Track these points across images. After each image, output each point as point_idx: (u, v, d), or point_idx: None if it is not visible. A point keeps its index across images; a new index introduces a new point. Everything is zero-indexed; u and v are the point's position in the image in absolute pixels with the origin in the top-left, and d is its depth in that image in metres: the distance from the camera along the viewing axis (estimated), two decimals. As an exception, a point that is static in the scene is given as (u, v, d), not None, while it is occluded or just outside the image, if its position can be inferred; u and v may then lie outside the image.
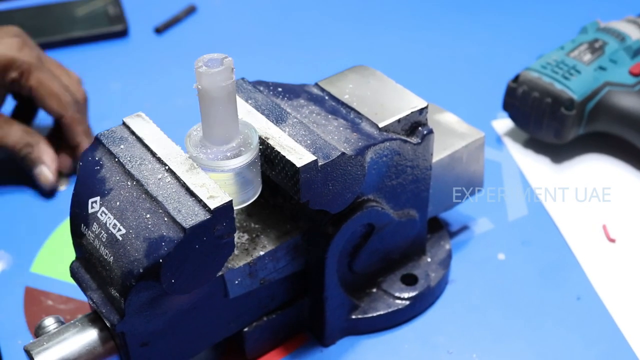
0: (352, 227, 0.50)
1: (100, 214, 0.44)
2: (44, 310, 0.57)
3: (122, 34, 0.89)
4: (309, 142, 0.46)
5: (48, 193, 0.67)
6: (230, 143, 0.44)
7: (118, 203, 0.43)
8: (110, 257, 0.43)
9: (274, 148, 0.45)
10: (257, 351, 0.53)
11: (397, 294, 0.55)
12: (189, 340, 0.49)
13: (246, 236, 0.50)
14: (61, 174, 0.69)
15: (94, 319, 0.47)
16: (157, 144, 0.45)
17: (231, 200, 0.42)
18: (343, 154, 0.45)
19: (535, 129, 0.69)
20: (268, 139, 0.46)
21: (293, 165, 0.44)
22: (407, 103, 0.51)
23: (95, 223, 0.44)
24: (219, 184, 0.43)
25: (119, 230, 0.42)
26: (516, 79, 0.70)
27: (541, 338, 0.55)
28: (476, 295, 0.58)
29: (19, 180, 0.69)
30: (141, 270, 0.41)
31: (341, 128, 0.48)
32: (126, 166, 0.44)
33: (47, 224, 0.65)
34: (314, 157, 0.44)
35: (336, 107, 0.51)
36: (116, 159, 0.45)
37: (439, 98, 0.64)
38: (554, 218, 0.64)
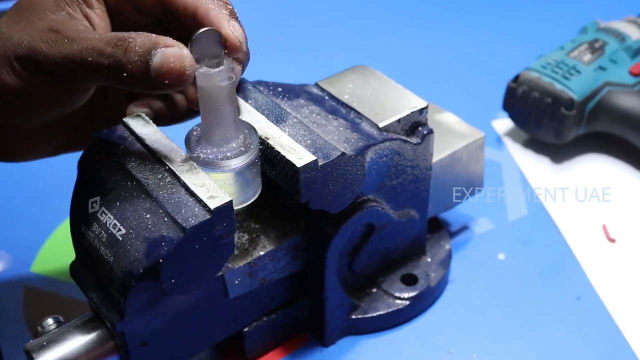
0: (352, 227, 0.50)
1: (100, 214, 0.44)
2: (43, 310, 0.56)
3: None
4: (309, 142, 0.46)
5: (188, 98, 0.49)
6: (230, 143, 0.44)
7: (118, 203, 0.43)
8: (110, 257, 0.43)
9: (274, 148, 0.45)
10: (257, 351, 0.53)
11: (397, 294, 0.55)
12: (189, 340, 0.49)
13: (246, 236, 0.50)
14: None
15: (94, 319, 0.46)
16: (157, 144, 0.45)
17: (231, 201, 0.42)
18: (343, 154, 0.45)
19: (535, 129, 0.69)
20: (268, 139, 0.46)
21: (293, 165, 0.44)
22: (407, 103, 0.51)
23: (95, 223, 0.44)
24: (219, 184, 0.43)
25: (119, 230, 0.42)
26: (516, 79, 0.70)
27: (541, 338, 0.55)
28: (476, 295, 0.58)
29: (19, 180, 0.69)
30: (141, 270, 0.41)
31: (341, 128, 0.48)
32: (126, 166, 0.44)
33: (47, 224, 0.65)
34: (314, 157, 0.44)
35: (336, 107, 0.51)
36: (116, 159, 0.45)
37: (439, 98, 0.64)
38: (554, 218, 0.64)
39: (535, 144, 0.72)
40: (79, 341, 0.46)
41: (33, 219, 0.65)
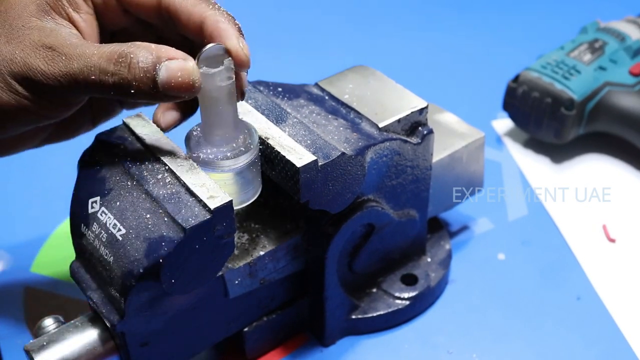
0: (352, 227, 0.50)
1: (100, 214, 0.43)
2: (43, 310, 0.57)
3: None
4: (309, 142, 0.46)
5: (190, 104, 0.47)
6: (230, 143, 0.44)
7: (118, 203, 0.43)
8: (110, 257, 0.42)
9: (274, 148, 0.45)
10: (257, 351, 0.53)
11: (397, 294, 0.55)
12: (189, 340, 0.49)
13: (246, 236, 0.50)
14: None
15: (94, 319, 0.46)
16: (157, 144, 0.45)
17: (231, 200, 0.42)
18: (343, 154, 0.45)
19: (535, 129, 0.69)
20: (268, 139, 0.46)
21: (293, 165, 0.44)
22: (407, 103, 0.51)
23: (95, 223, 0.44)
24: (219, 184, 0.43)
25: (119, 230, 0.42)
26: (516, 79, 0.70)
27: (541, 338, 0.55)
28: (476, 295, 0.58)
29: (19, 180, 0.69)
30: (141, 270, 0.41)
31: (341, 128, 0.48)
32: (126, 166, 0.44)
33: (47, 224, 0.65)
34: (314, 157, 0.44)
35: (336, 107, 0.51)
36: (116, 159, 0.45)
37: (439, 98, 0.64)
38: (554, 218, 0.64)
39: (535, 144, 0.72)
40: (79, 341, 0.46)
41: (33, 219, 0.65)
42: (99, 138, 0.47)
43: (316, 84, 0.53)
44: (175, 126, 0.46)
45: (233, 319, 0.50)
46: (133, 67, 0.40)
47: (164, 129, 0.46)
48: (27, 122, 0.45)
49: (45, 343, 0.46)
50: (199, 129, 0.45)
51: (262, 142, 0.46)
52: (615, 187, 0.67)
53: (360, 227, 0.51)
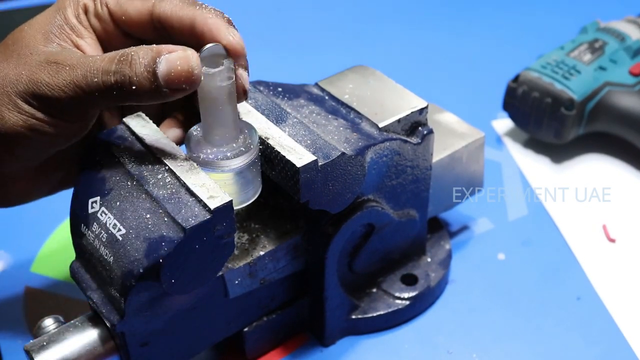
0: (352, 227, 0.50)
1: (100, 214, 0.43)
2: (44, 310, 0.56)
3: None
4: (309, 142, 0.46)
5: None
6: (230, 143, 0.44)
7: (118, 203, 0.43)
8: (110, 257, 0.42)
9: (274, 148, 0.45)
10: (257, 351, 0.53)
11: (397, 294, 0.55)
12: (189, 340, 0.49)
13: (246, 236, 0.50)
14: None
15: (94, 318, 0.46)
16: (157, 144, 0.45)
17: (231, 200, 0.42)
18: (343, 154, 0.45)
19: (535, 129, 0.69)
20: (268, 139, 0.46)
21: (293, 165, 0.44)
22: (407, 103, 0.51)
23: (95, 223, 0.44)
24: (219, 184, 0.43)
25: (119, 230, 0.42)
26: (516, 79, 0.70)
27: (541, 338, 0.55)
28: (476, 296, 0.58)
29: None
30: (141, 270, 0.41)
31: (341, 128, 0.48)
32: (126, 166, 0.44)
33: (47, 224, 0.65)
34: (314, 157, 0.44)
35: (336, 107, 0.51)
36: (116, 159, 0.45)
37: (439, 98, 0.64)
38: (554, 218, 0.64)
39: (535, 144, 0.72)
40: (79, 341, 0.46)
41: (33, 219, 0.65)
42: (99, 138, 0.47)
43: (316, 84, 0.53)
44: (177, 144, 0.46)
45: (233, 319, 0.50)
46: (134, 64, 0.40)
47: None
48: (39, 145, 0.45)
49: (45, 343, 0.46)
50: (199, 129, 0.45)
51: (262, 142, 0.46)
52: (615, 187, 0.67)
53: (360, 227, 0.51)
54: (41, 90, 0.42)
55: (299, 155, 0.44)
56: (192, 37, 0.44)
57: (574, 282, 0.59)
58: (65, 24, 0.45)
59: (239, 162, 0.44)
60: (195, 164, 0.44)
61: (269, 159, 0.46)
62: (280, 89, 0.51)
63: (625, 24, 0.74)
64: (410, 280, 0.56)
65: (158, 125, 0.47)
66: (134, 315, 0.43)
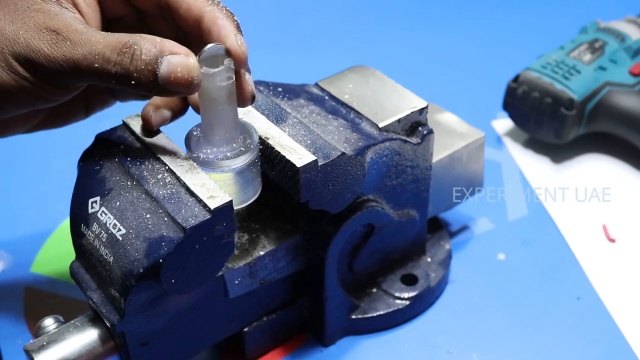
0: (352, 227, 0.50)
1: (101, 214, 0.43)
2: (44, 310, 0.56)
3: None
4: (309, 142, 0.46)
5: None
6: (230, 143, 0.44)
7: (118, 203, 0.43)
8: (110, 257, 0.43)
9: (274, 148, 0.45)
10: (257, 351, 0.53)
11: (397, 294, 0.55)
12: (189, 340, 0.49)
13: (246, 236, 0.50)
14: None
15: (94, 318, 0.47)
16: (157, 144, 0.45)
17: (231, 201, 0.42)
18: (343, 154, 0.45)
19: (536, 129, 0.69)
20: (268, 139, 0.46)
21: (293, 165, 0.44)
22: (407, 103, 0.51)
23: (95, 223, 0.44)
24: (219, 184, 0.43)
25: (119, 230, 0.42)
26: (516, 78, 0.70)
27: (541, 338, 0.55)
28: (476, 295, 0.58)
29: (19, 180, 0.69)
30: (141, 270, 0.41)
31: (341, 128, 0.48)
32: (126, 166, 0.44)
33: (47, 224, 0.65)
34: (314, 157, 0.44)
35: (336, 107, 0.51)
36: (116, 159, 0.45)
37: (439, 98, 0.64)
38: (554, 218, 0.64)
39: (535, 144, 0.72)
40: (79, 341, 0.46)
41: (33, 219, 0.65)
42: (99, 137, 0.47)
43: (316, 84, 0.53)
44: (163, 125, 0.47)
45: (233, 319, 0.50)
46: (136, 59, 0.40)
47: (153, 128, 0.46)
48: (25, 104, 0.44)
49: (45, 343, 0.46)
50: (199, 129, 0.45)
51: (262, 142, 0.46)
52: (615, 187, 0.67)
53: (360, 227, 0.51)
54: (39, 59, 0.41)
55: (299, 155, 0.44)
56: (196, 30, 0.44)
57: (574, 282, 0.59)
58: None
59: (239, 162, 0.44)
60: (195, 164, 0.44)
61: (269, 159, 0.46)
62: (280, 89, 0.51)
63: (625, 24, 0.74)
64: (410, 280, 0.56)
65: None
66: (134, 315, 0.43)
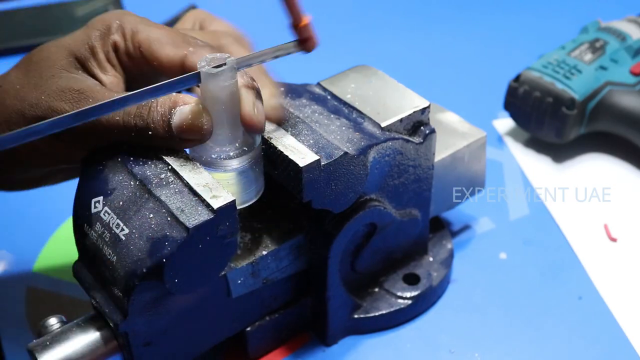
0: (355, 227, 0.50)
1: (103, 214, 0.44)
2: (46, 310, 0.56)
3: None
4: (311, 141, 0.46)
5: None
6: (233, 142, 0.44)
7: (121, 203, 0.43)
8: (114, 256, 0.43)
9: (276, 148, 0.45)
10: (259, 351, 0.53)
11: (399, 294, 0.55)
12: (191, 340, 0.49)
13: (249, 236, 0.50)
14: None
15: (97, 318, 0.46)
16: (158, 147, 0.45)
17: (234, 200, 0.42)
18: (346, 153, 0.45)
19: (537, 129, 0.69)
20: (271, 138, 0.46)
21: (296, 164, 0.44)
22: (409, 102, 0.51)
23: (98, 223, 0.44)
24: (221, 184, 0.43)
25: (122, 230, 0.42)
26: (517, 78, 0.70)
27: (543, 337, 0.55)
28: (478, 295, 0.58)
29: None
30: (144, 270, 0.41)
31: (343, 128, 0.48)
32: (129, 166, 0.44)
33: (48, 224, 0.65)
34: (316, 157, 0.44)
35: (338, 107, 0.51)
36: (119, 159, 0.45)
37: (440, 97, 0.64)
38: (555, 217, 0.64)
39: (536, 144, 0.72)
40: (82, 341, 0.46)
41: (35, 220, 0.65)
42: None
43: (318, 84, 0.53)
44: None
45: (236, 319, 0.50)
46: (152, 110, 0.43)
47: None
48: (46, 164, 0.47)
49: (48, 343, 0.46)
50: (201, 128, 0.45)
51: (265, 141, 0.46)
52: (616, 187, 0.67)
53: (363, 226, 0.51)
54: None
55: (302, 155, 0.44)
56: None
57: (575, 281, 0.59)
58: (92, 56, 0.46)
59: (242, 161, 0.44)
60: (197, 164, 0.44)
61: (271, 159, 0.46)
62: (282, 89, 0.51)
63: (625, 23, 0.74)
64: (412, 280, 0.56)
65: None
66: (137, 315, 0.43)
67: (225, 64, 0.42)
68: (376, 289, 0.56)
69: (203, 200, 0.41)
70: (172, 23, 0.90)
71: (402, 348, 0.54)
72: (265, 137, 0.46)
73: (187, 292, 0.43)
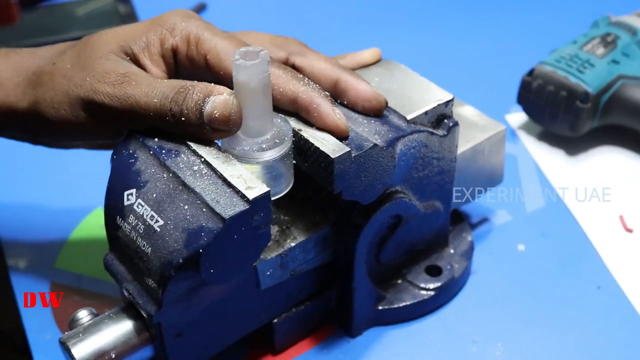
0: (381, 218, 0.50)
1: (137, 206, 0.44)
2: (71, 306, 0.57)
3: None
4: (341, 133, 0.46)
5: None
6: (264, 135, 0.45)
7: (155, 195, 0.43)
8: (148, 248, 0.43)
9: (307, 140, 0.45)
10: (286, 342, 0.54)
11: (422, 285, 0.56)
12: (221, 331, 0.49)
13: (276, 228, 0.51)
14: None
15: (128, 310, 0.47)
16: (190, 136, 0.46)
17: (269, 191, 0.42)
18: (375, 145, 0.46)
19: (550, 122, 0.70)
20: (301, 130, 0.46)
21: (327, 156, 0.44)
22: (433, 96, 0.52)
23: (131, 215, 0.44)
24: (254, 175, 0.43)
25: (157, 221, 0.43)
26: (531, 72, 0.70)
27: (564, 326, 0.55)
28: (498, 286, 0.59)
29: (40, 178, 0.69)
30: (181, 261, 0.41)
31: (372, 120, 0.48)
32: (161, 158, 0.44)
33: (68, 221, 0.65)
34: (347, 149, 0.45)
35: (364, 100, 0.51)
36: (151, 152, 0.45)
37: (453, 92, 0.64)
38: (571, 209, 0.65)
39: (550, 137, 0.72)
40: (114, 332, 0.46)
41: (55, 217, 0.65)
42: (132, 130, 0.47)
43: (342, 78, 0.53)
44: None
45: (263, 310, 0.51)
46: (188, 98, 0.44)
47: None
48: (80, 139, 0.50)
49: (80, 334, 0.46)
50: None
51: (295, 134, 0.46)
52: (629, 179, 0.68)
53: (389, 218, 0.52)
54: (100, 99, 0.45)
55: (333, 147, 0.45)
56: (290, 107, 0.47)
57: (593, 271, 0.60)
58: (146, 49, 0.47)
59: (273, 153, 0.44)
60: (230, 156, 0.44)
61: (301, 151, 0.46)
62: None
63: (635, 18, 0.75)
64: (434, 271, 0.57)
65: None
66: (171, 306, 0.44)
67: (258, 56, 0.42)
68: (399, 281, 0.56)
69: (238, 191, 0.42)
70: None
71: (425, 339, 0.55)
72: (296, 129, 0.46)
73: (222, 282, 0.43)
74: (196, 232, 0.41)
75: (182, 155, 0.45)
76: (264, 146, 0.44)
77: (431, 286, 0.56)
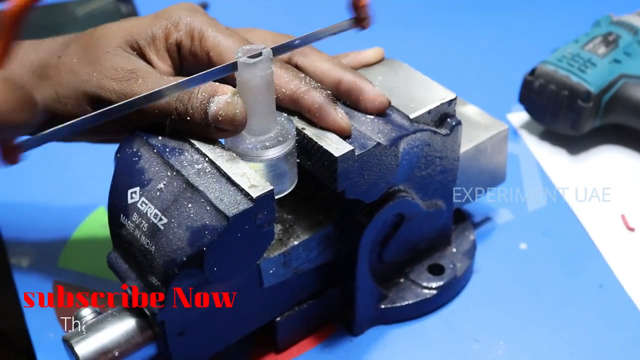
0: (384, 217, 0.51)
1: (141, 204, 0.44)
2: (73, 304, 0.57)
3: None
4: (344, 132, 0.46)
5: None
6: (268, 133, 0.45)
7: (158, 193, 0.44)
8: (152, 246, 0.43)
9: (311, 138, 0.45)
10: (288, 341, 0.54)
11: (424, 284, 0.56)
12: (224, 329, 0.49)
13: (279, 226, 0.51)
14: None
15: (131, 308, 0.47)
16: (195, 135, 0.46)
17: (272, 189, 0.42)
18: (378, 144, 0.46)
19: (552, 121, 0.70)
20: (304, 129, 0.46)
21: (331, 154, 0.44)
22: (436, 94, 0.52)
23: (135, 213, 0.44)
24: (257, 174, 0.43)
25: (161, 220, 0.43)
26: (533, 72, 0.70)
27: (566, 325, 0.56)
28: (501, 285, 0.59)
29: (42, 176, 0.69)
30: (184, 259, 0.41)
31: (374, 119, 0.48)
32: (165, 157, 0.45)
33: (71, 220, 0.65)
34: (351, 147, 0.45)
35: (367, 99, 0.51)
36: (154, 150, 0.45)
37: (455, 91, 0.65)
38: (573, 208, 0.65)
39: (551, 136, 0.72)
40: (117, 330, 0.46)
41: (57, 215, 0.66)
42: (136, 128, 0.47)
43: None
44: None
45: (266, 309, 0.51)
46: (193, 97, 0.44)
47: None
48: (82, 134, 0.48)
49: (84, 332, 0.46)
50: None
51: (299, 132, 0.46)
52: (631, 178, 0.68)
53: (392, 216, 0.52)
54: (107, 95, 0.45)
55: (336, 145, 0.45)
56: (292, 106, 0.47)
57: (595, 270, 0.60)
58: (152, 43, 0.47)
59: (277, 152, 0.44)
60: (234, 154, 0.44)
61: (305, 149, 0.46)
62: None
63: (637, 17, 0.75)
64: (437, 270, 0.57)
65: None
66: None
67: (261, 54, 0.42)
68: (402, 280, 0.56)
69: (242, 190, 0.42)
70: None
71: (428, 337, 0.55)
72: (299, 127, 0.46)
73: (226, 281, 0.43)
74: (200, 230, 0.41)
75: (186, 154, 0.45)
76: (267, 144, 0.44)
77: (434, 285, 0.56)
